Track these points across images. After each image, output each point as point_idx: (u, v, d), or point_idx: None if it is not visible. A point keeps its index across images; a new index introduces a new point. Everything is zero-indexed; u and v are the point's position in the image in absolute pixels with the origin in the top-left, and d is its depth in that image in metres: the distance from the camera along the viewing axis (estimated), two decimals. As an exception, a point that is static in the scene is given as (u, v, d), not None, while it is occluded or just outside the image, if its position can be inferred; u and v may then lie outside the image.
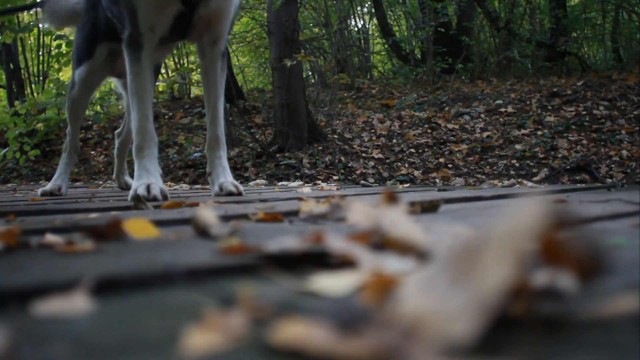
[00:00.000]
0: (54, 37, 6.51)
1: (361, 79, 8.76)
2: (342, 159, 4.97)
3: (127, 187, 2.67)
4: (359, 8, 10.62)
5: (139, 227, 0.69)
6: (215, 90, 1.93)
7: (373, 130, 5.66)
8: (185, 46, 7.88)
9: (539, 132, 5.13)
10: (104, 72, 2.39)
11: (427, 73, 8.03)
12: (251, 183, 3.81)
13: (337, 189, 2.46)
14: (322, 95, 6.87)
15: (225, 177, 1.89)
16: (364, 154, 5.08)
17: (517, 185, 2.55)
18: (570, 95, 5.84)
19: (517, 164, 4.63)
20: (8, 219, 1.00)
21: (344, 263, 0.48)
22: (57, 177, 2.46)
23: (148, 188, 1.64)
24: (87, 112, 8.16)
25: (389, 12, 10.68)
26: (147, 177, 1.70)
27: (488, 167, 4.69)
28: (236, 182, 1.88)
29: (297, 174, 4.66)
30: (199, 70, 6.33)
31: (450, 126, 5.52)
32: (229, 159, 5.36)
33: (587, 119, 5.22)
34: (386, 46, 10.04)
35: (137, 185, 1.67)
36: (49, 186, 2.42)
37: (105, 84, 9.58)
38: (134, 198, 1.48)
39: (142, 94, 1.79)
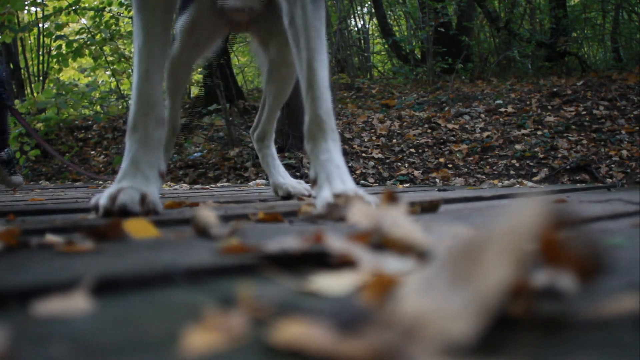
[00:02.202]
0: (54, 37, 6.52)
1: (361, 79, 8.76)
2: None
3: (286, 195, 1.80)
4: (359, 8, 10.63)
5: (139, 227, 0.69)
6: (308, 44, 1.19)
7: (373, 130, 5.65)
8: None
9: (539, 132, 5.13)
10: (215, 22, 1.59)
11: (427, 73, 8.04)
12: (251, 183, 3.81)
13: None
14: (322, 95, 6.86)
15: (343, 182, 1.11)
16: (364, 154, 5.08)
17: (517, 185, 2.55)
18: (570, 95, 5.84)
19: (517, 164, 4.63)
20: (8, 219, 1.00)
21: (344, 263, 0.48)
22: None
23: (114, 196, 1.03)
24: (87, 112, 8.17)
25: (389, 12, 10.69)
26: (132, 177, 1.11)
27: (488, 167, 4.69)
28: (361, 191, 1.09)
29: (297, 173, 4.66)
30: (199, 70, 6.32)
31: (450, 126, 5.52)
32: (229, 159, 5.40)
33: (587, 119, 5.22)
34: (386, 46, 10.05)
35: (110, 190, 1.07)
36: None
37: (105, 83, 9.57)
38: (94, 208, 1.05)
39: (146, 37, 1.14)
